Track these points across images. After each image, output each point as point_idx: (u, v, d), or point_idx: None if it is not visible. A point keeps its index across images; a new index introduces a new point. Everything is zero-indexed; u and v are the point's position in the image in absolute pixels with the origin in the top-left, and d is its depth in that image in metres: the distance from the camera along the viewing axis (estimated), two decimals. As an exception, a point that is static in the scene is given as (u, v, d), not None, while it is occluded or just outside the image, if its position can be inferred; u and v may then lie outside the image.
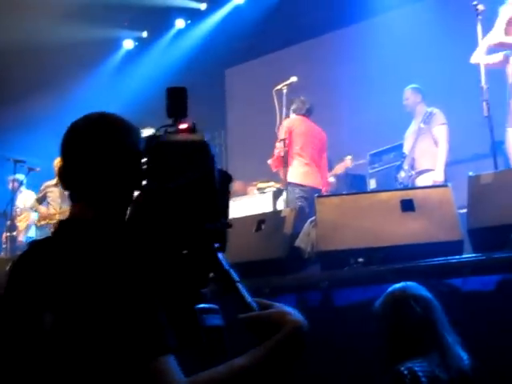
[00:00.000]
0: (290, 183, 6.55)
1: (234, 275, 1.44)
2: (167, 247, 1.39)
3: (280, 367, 1.34)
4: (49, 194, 8.07)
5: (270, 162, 6.59)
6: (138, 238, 1.40)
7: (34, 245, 1.52)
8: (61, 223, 1.51)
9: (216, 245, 1.45)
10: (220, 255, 1.45)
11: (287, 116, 6.65)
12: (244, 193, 7.85)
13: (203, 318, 1.40)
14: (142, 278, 1.31)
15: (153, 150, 1.47)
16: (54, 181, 7.80)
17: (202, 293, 1.43)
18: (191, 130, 1.47)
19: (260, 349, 1.34)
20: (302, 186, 6.56)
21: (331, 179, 7.55)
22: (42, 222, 7.78)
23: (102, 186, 1.49)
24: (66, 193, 1.54)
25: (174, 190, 1.38)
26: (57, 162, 7.80)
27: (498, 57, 5.56)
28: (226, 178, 1.49)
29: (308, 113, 6.94)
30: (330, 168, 7.45)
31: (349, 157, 7.49)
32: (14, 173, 7.94)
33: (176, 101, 1.49)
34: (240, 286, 1.43)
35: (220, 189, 1.45)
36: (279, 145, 6.51)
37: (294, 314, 1.40)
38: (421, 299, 2.38)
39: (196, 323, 1.38)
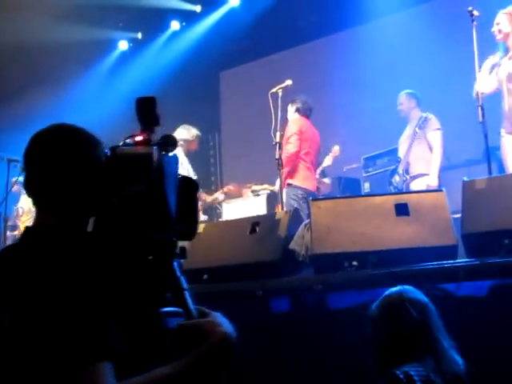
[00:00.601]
0: (290, 185, 6.62)
1: (184, 283, 1.48)
2: (123, 255, 1.45)
3: (204, 376, 1.39)
4: None
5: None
6: (96, 245, 1.47)
7: (4, 249, 1.58)
8: (26, 229, 1.58)
9: (176, 251, 1.50)
10: (175, 263, 1.48)
11: (286, 119, 6.74)
12: (239, 194, 7.86)
13: (167, 320, 1.42)
14: (92, 284, 1.37)
15: (106, 162, 1.56)
16: None
17: (166, 297, 1.46)
18: (147, 142, 1.52)
19: (186, 358, 1.38)
20: (303, 188, 6.64)
21: (326, 180, 7.59)
22: None
23: (63, 195, 1.55)
24: None
25: (119, 203, 1.46)
26: None
27: (492, 80, 5.55)
28: (191, 186, 1.54)
29: (310, 113, 7.03)
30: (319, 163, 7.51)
31: (336, 147, 7.50)
32: (8, 172, 7.89)
33: (144, 111, 1.55)
34: (187, 293, 1.47)
35: (183, 197, 1.50)
36: (293, 144, 6.63)
37: (223, 325, 1.45)
38: (417, 303, 2.38)
39: (159, 326, 1.41)
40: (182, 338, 1.41)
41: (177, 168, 1.55)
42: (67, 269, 1.38)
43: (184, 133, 7.15)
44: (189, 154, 7.20)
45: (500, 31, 5.43)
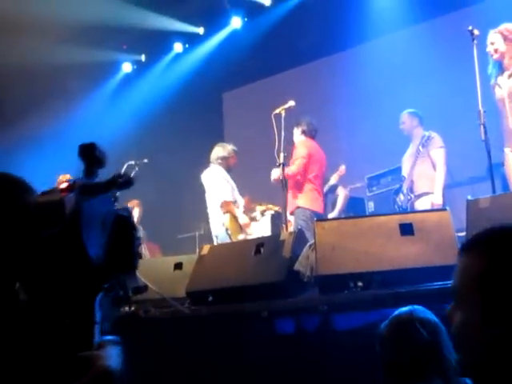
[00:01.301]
0: (299, 207, 6.64)
1: (97, 316, 1.53)
2: (42, 296, 1.54)
3: None
4: None
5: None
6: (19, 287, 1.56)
7: None
8: None
9: (104, 286, 1.57)
10: (98, 297, 1.56)
11: (290, 140, 6.80)
12: (250, 208, 7.84)
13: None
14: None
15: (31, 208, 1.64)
16: None
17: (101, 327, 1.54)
18: (69, 188, 1.62)
19: None
20: (312, 210, 6.67)
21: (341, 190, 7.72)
22: None
23: None
24: None
25: (36, 246, 1.54)
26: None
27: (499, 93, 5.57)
28: (125, 223, 1.65)
29: (315, 134, 7.08)
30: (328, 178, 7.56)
31: (342, 166, 7.59)
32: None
33: (85, 156, 1.65)
34: (97, 327, 1.52)
35: (116, 234, 1.60)
36: (297, 167, 6.72)
37: (107, 358, 1.47)
38: (427, 323, 2.37)
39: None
40: (75, 370, 1.44)
41: (108, 208, 1.65)
42: None
43: (220, 150, 7.30)
44: (231, 169, 7.30)
45: (496, 51, 5.44)
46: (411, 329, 2.34)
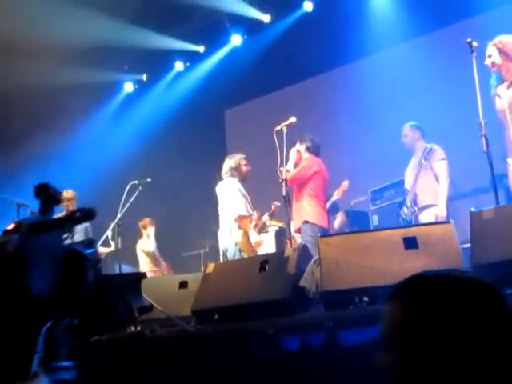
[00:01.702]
0: (308, 222, 6.63)
1: (39, 347, 1.61)
2: None
3: None
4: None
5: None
6: None
7: None
8: None
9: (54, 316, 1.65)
10: (43, 332, 1.61)
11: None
12: (261, 224, 7.83)
13: (55, 374, 1.55)
14: None
15: None
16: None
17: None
18: (16, 228, 1.69)
19: None
20: (319, 226, 6.66)
21: (340, 216, 7.67)
22: None
23: None
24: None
25: None
26: (64, 195, 7.97)
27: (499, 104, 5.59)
28: (75, 257, 1.71)
29: (319, 151, 7.08)
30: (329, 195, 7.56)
31: (345, 181, 7.60)
32: (18, 216, 7.93)
33: (39, 195, 1.71)
34: (37, 356, 1.60)
35: (66, 267, 1.70)
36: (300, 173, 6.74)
37: None
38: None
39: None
40: None
41: (58, 243, 1.69)
42: None
43: (229, 162, 7.26)
44: (246, 178, 7.26)
45: (493, 63, 5.47)
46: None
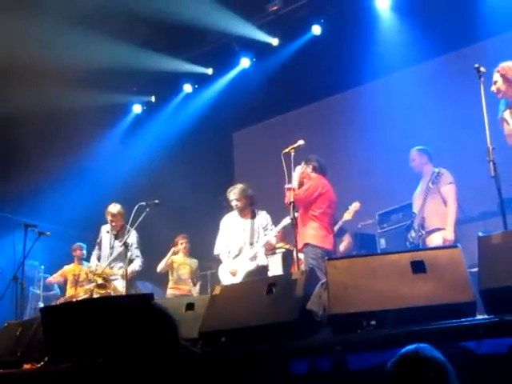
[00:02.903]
0: (309, 244, 6.62)
1: None
2: None
3: None
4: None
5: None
6: None
7: None
8: None
9: None
10: None
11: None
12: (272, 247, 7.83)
13: None
14: None
15: None
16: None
17: None
18: None
19: None
20: (321, 248, 6.62)
21: (346, 238, 7.65)
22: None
23: None
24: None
25: None
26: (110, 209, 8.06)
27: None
28: None
29: (326, 172, 7.08)
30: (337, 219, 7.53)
31: (357, 203, 7.59)
32: (25, 237, 7.93)
33: None
34: None
35: None
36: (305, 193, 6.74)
37: None
38: (434, 363, 2.33)
39: None
40: None
41: None
42: None
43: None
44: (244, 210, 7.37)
45: (498, 90, 5.52)
46: (417, 369, 2.31)
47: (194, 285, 8.96)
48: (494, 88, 5.53)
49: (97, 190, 9.87)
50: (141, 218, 7.14)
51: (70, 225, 10.37)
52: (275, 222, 7.23)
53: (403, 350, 2.42)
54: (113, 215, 7.94)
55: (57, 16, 8.80)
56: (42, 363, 4.51)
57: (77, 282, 8.58)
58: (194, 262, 9.23)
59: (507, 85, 5.47)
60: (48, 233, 8.15)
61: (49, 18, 8.76)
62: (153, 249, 8.98)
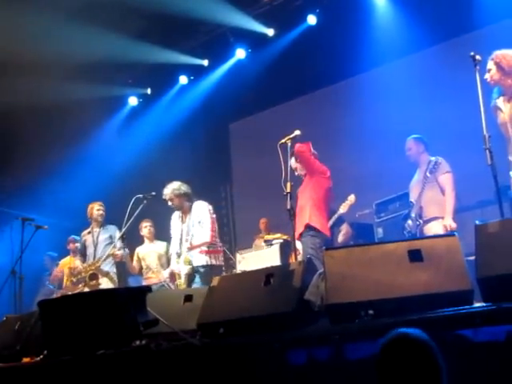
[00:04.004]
0: (309, 225, 6.74)
1: None
2: None
3: None
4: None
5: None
6: None
7: None
8: None
9: None
10: None
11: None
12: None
13: None
14: None
15: None
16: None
17: None
18: None
19: None
20: (321, 232, 6.74)
21: (344, 227, 7.67)
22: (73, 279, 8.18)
23: None
24: None
25: None
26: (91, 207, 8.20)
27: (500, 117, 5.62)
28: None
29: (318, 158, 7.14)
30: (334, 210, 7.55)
31: (352, 196, 7.59)
32: (22, 231, 7.92)
33: None
34: None
35: None
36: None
37: None
38: (420, 341, 2.34)
39: None
40: None
41: None
42: None
43: None
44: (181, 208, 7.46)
45: (492, 78, 5.52)
46: (403, 349, 2.32)
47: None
48: (487, 76, 5.53)
49: (93, 182, 9.85)
50: (138, 210, 7.15)
51: (67, 217, 10.36)
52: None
53: (391, 334, 2.43)
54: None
55: (52, 9, 8.76)
56: (41, 356, 4.51)
57: (73, 275, 8.56)
58: (162, 246, 8.90)
59: (501, 73, 5.47)
60: (46, 226, 8.15)
61: (44, 11, 8.73)
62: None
